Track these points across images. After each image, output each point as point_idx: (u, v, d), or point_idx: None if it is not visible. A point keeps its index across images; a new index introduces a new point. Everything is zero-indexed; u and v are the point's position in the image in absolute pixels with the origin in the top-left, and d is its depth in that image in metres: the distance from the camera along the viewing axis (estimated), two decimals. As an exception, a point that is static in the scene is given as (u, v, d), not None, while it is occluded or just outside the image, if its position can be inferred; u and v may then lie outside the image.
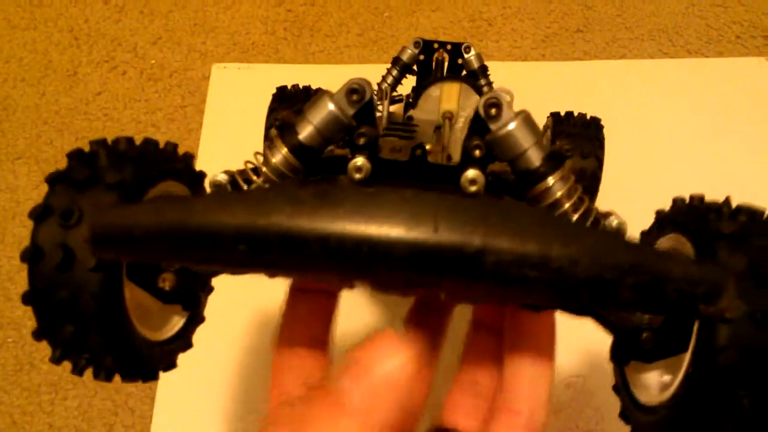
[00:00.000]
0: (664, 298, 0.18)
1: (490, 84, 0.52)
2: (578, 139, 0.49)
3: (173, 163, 0.27)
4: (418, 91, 0.50)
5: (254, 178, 0.26)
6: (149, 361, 0.26)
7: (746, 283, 0.20)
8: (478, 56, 0.52)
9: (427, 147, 0.28)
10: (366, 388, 0.18)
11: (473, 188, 0.24)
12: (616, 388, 0.26)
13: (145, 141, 0.27)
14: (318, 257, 0.17)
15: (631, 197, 0.57)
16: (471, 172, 0.24)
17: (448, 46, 0.53)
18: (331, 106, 0.25)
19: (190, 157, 0.29)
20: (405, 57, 0.53)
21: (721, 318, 0.19)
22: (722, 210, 0.23)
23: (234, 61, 0.68)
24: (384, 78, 0.54)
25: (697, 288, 0.19)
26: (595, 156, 0.49)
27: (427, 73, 0.53)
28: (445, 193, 0.19)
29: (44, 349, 0.51)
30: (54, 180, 0.24)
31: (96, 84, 0.66)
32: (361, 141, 0.24)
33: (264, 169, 0.25)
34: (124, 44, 0.69)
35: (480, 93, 0.50)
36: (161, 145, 0.27)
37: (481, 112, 0.24)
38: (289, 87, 0.55)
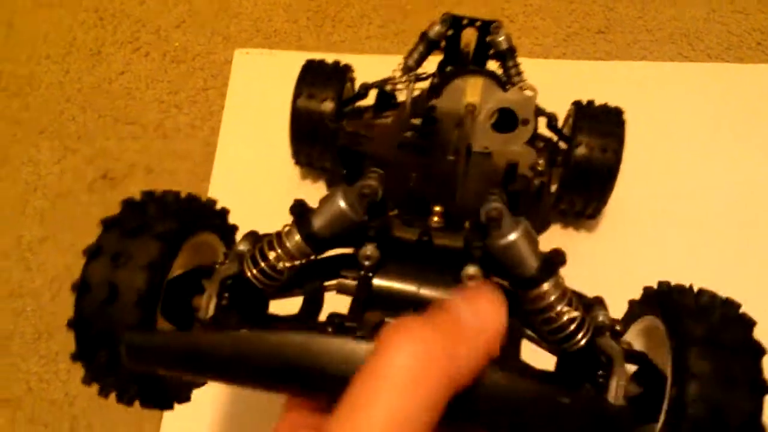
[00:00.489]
0: None
1: (517, 66, 0.51)
2: (598, 130, 0.50)
3: (211, 218, 0.31)
4: (443, 70, 0.50)
5: (270, 255, 0.27)
6: (168, 393, 0.29)
7: (707, 348, 0.24)
8: (507, 37, 0.50)
9: (436, 209, 0.30)
10: (480, 312, 0.20)
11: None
12: None
13: (188, 196, 0.31)
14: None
15: (646, 196, 0.57)
16: (471, 269, 0.25)
17: (478, 23, 0.50)
18: (342, 205, 0.26)
19: (225, 212, 0.33)
20: (432, 33, 0.51)
21: (690, 376, 0.23)
22: (687, 292, 0.27)
23: (256, 46, 0.69)
24: (410, 53, 0.52)
25: None
26: (613, 146, 0.49)
27: (455, 51, 0.51)
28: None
29: (61, 318, 0.52)
30: (108, 225, 0.28)
31: (119, 64, 0.67)
32: (372, 233, 0.27)
33: (279, 251, 0.27)
34: (148, 26, 0.70)
35: (508, 78, 0.50)
36: (203, 200, 0.32)
37: (482, 218, 0.26)
38: (316, 61, 0.55)
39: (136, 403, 0.28)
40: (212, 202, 0.32)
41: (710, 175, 0.60)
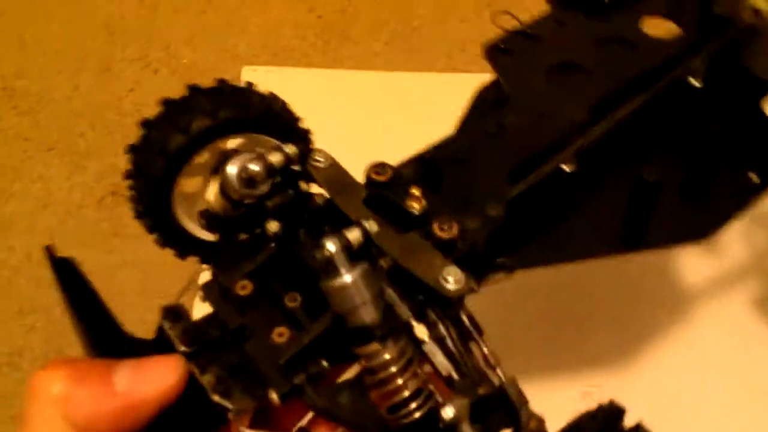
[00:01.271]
0: None
1: None
2: None
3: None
4: None
5: None
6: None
7: None
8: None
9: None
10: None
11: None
12: None
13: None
14: None
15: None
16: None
17: None
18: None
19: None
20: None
21: None
22: None
23: (264, 63, 0.69)
24: None
25: None
26: None
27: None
28: None
29: (71, 334, 0.53)
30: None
31: (129, 80, 0.68)
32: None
33: None
34: (158, 42, 0.71)
35: None
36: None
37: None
38: None
39: None
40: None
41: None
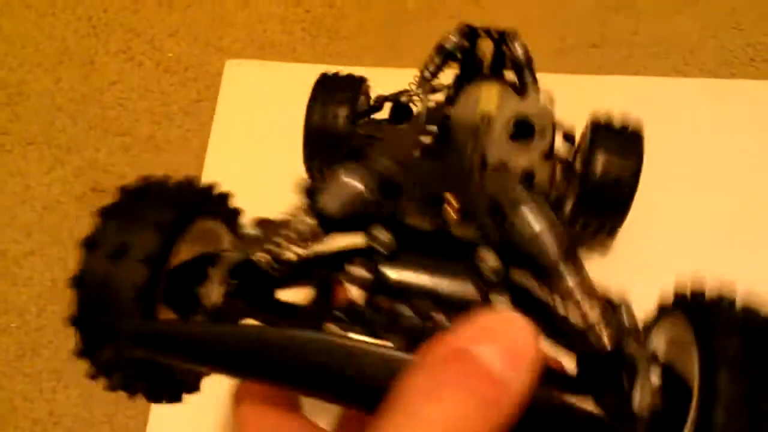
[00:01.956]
0: None
1: (534, 76, 0.50)
2: (617, 147, 0.50)
3: (212, 203, 0.31)
4: (460, 82, 0.49)
5: (281, 239, 0.27)
6: (177, 384, 0.28)
7: (740, 368, 0.21)
8: (524, 47, 0.49)
9: (451, 201, 0.28)
10: (510, 356, 0.17)
11: (489, 276, 0.24)
12: None
13: (185, 181, 0.30)
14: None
15: (648, 212, 0.57)
16: (489, 259, 0.24)
17: (494, 33, 0.50)
18: (353, 181, 0.26)
19: (226, 196, 0.32)
20: (449, 45, 0.50)
21: (717, 403, 0.20)
22: (722, 302, 0.24)
23: (251, 57, 0.68)
24: (426, 65, 0.52)
25: None
26: (632, 164, 0.49)
27: (471, 62, 0.51)
28: None
29: (47, 335, 0.51)
30: (104, 214, 0.27)
31: (112, 73, 0.66)
32: (384, 216, 0.25)
33: (290, 234, 0.26)
34: (142, 36, 0.69)
35: (524, 89, 0.50)
36: (200, 184, 0.31)
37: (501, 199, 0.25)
38: (330, 73, 0.55)
39: (124, 401, 0.28)
40: (211, 186, 0.31)
41: (701, 189, 0.60)
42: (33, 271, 0.54)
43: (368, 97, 0.57)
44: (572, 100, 0.65)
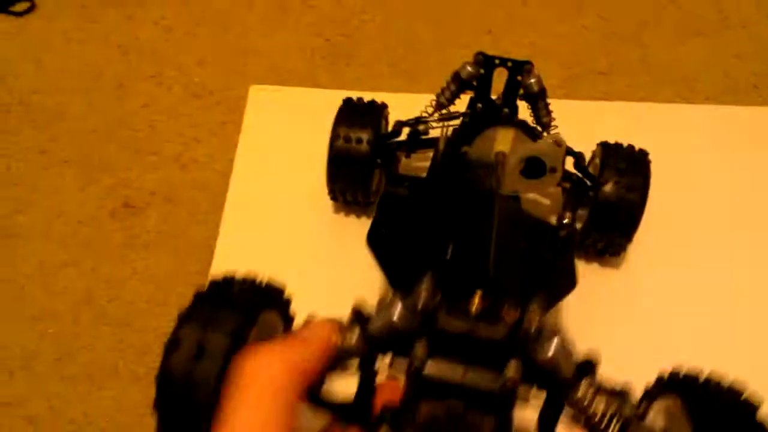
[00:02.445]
0: None
1: (547, 107, 0.52)
2: (625, 170, 0.52)
3: (270, 298, 0.35)
4: (474, 109, 0.53)
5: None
6: None
7: None
8: (538, 79, 0.51)
9: (474, 303, 0.31)
10: (312, 328, 0.31)
11: (509, 384, 0.28)
12: None
13: (258, 282, 0.35)
14: None
15: (652, 234, 0.59)
16: (512, 370, 0.28)
17: (509, 63, 0.51)
18: (398, 320, 0.29)
19: (282, 291, 0.36)
20: (464, 73, 0.52)
21: None
22: (709, 385, 0.31)
23: (272, 83, 0.72)
24: (442, 91, 0.54)
25: None
26: (640, 185, 0.52)
27: (486, 90, 0.53)
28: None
29: (82, 341, 0.54)
30: (183, 319, 0.31)
31: (142, 97, 0.70)
32: (422, 332, 0.29)
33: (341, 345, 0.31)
34: (171, 62, 0.73)
35: (537, 120, 0.53)
36: (271, 284, 0.35)
37: (521, 333, 0.29)
38: (354, 99, 0.58)
39: (152, 425, 0.30)
40: (270, 285, 0.35)
41: (710, 211, 0.62)
42: (68, 281, 0.57)
43: (387, 122, 0.60)
44: (581, 124, 0.69)
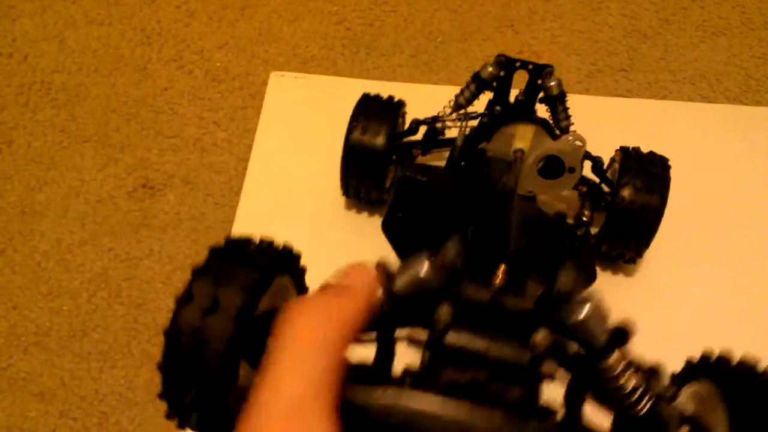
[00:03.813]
0: None
1: (566, 111, 0.52)
2: (645, 175, 0.51)
3: (288, 262, 0.34)
4: (492, 110, 0.52)
5: None
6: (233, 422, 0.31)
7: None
8: (559, 82, 0.51)
9: (499, 268, 0.31)
10: (351, 276, 0.27)
11: (538, 350, 0.27)
12: None
13: (268, 243, 0.33)
14: None
15: (675, 237, 0.59)
16: (540, 334, 0.27)
17: (530, 66, 0.51)
18: (425, 275, 0.29)
19: (299, 257, 0.35)
20: (485, 74, 0.52)
21: None
22: (747, 368, 0.29)
23: (293, 70, 0.72)
24: (462, 91, 0.54)
25: None
26: (659, 193, 0.51)
27: (505, 92, 0.53)
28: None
29: (96, 319, 0.55)
30: (197, 274, 0.30)
31: (163, 80, 0.70)
32: (447, 296, 0.28)
33: None
34: (192, 46, 0.73)
35: (556, 123, 0.52)
36: (280, 246, 0.34)
37: (554, 293, 0.28)
38: (372, 95, 0.58)
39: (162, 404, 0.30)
40: (287, 249, 0.34)
41: (724, 213, 0.61)
42: (85, 259, 0.58)
43: (404, 120, 0.60)
44: (601, 120, 0.68)
